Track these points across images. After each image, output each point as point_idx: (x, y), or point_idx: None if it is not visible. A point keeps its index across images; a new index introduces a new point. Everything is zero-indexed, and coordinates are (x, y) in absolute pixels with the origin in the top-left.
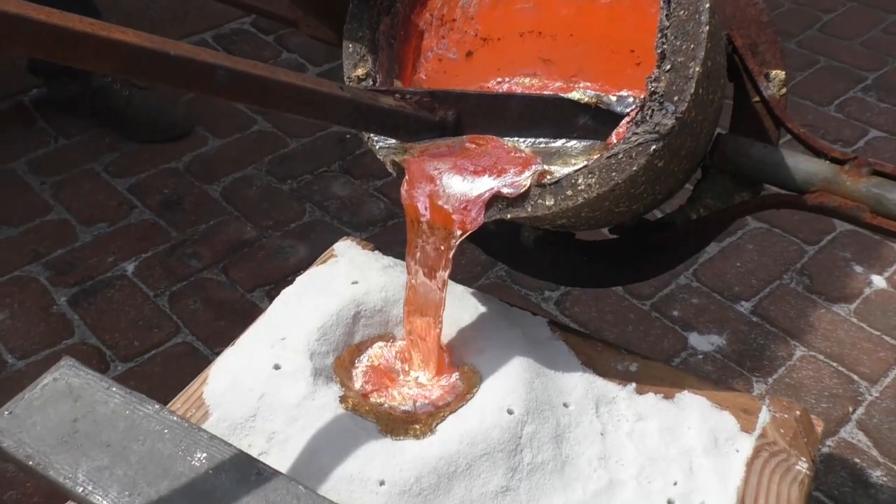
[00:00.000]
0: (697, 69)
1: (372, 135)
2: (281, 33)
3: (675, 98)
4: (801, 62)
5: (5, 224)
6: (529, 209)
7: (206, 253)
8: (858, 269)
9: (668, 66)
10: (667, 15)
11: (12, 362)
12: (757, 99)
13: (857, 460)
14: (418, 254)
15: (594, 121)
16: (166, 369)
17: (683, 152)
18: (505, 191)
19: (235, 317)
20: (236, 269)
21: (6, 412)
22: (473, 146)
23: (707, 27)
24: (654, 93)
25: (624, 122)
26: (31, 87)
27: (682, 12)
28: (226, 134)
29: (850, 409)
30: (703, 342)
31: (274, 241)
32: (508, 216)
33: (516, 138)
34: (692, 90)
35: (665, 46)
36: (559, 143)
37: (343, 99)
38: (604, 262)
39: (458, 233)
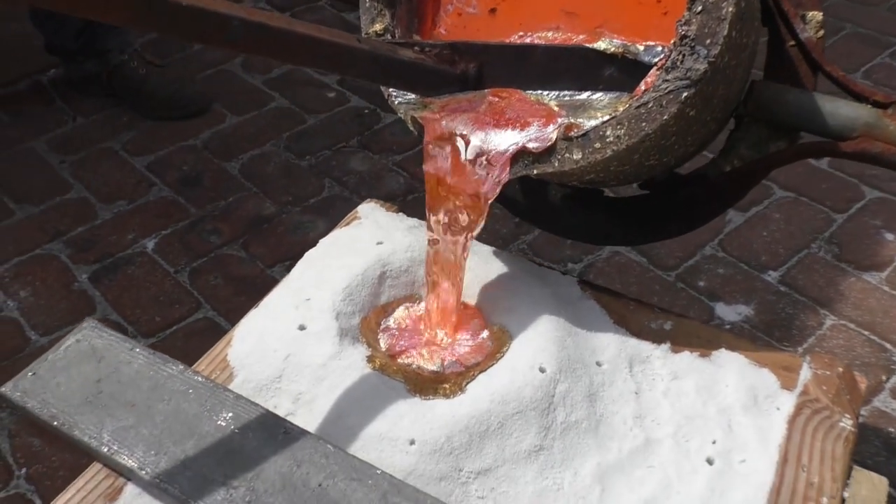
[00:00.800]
0: (731, 9)
1: (391, 90)
2: (296, 10)
3: (707, 41)
4: (826, 29)
5: (26, 202)
6: (556, 164)
7: (226, 229)
8: (889, 236)
9: (700, 8)
10: None
11: (35, 339)
12: (792, 43)
13: (891, 429)
14: (433, 216)
15: (620, 72)
16: (188, 344)
17: (716, 100)
18: (530, 145)
19: (256, 292)
20: (256, 245)
21: (30, 373)
22: (496, 100)
23: None
24: (684, 36)
25: (653, 71)
26: (49, 66)
27: None
28: (243, 111)
29: (884, 378)
30: (730, 312)
31: (293, 216)
32: (535, 172)
33: (540, 91)
34: (725, 32)
35: None
36: (584, 95)
37: (361, 51)
38: (634, 219)
39: (484, 190)
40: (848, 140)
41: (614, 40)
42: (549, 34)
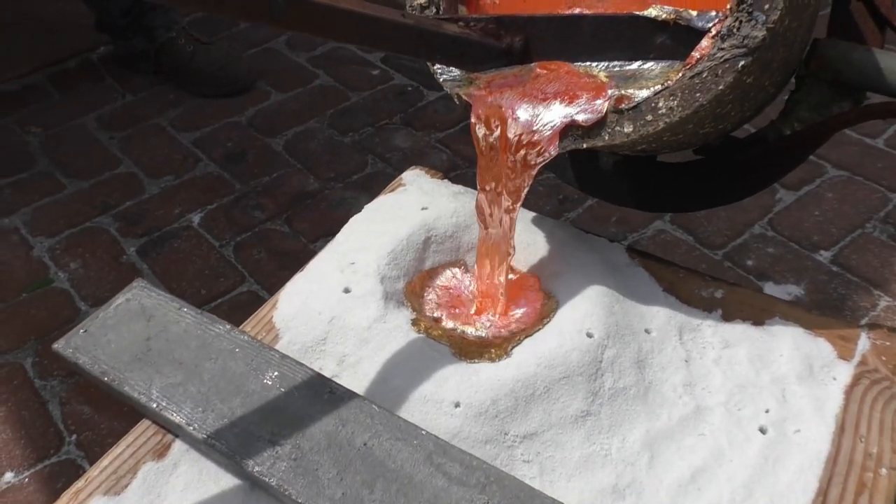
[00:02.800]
0: None
1: (437, 67)
2: None
3: (766, 6)
4: None
5: (76, 177)
6: (607, 137)
7: (270, 204)
8: None
9: None
10: None
11: (85, 309)
12: None
13: None
14: (487, 190)
15: (673, 39)
16: (232, 317)
17: (775, 64)
18: (580, 118)
19: (299, 266)
20: (299, 220)
21: (81, 330)
22: (543, 73)
23: None
24: (741, 1)
25: (707, 38)
26: (99, 44)
27: None
28: (287, 88)
29: None
30: (779, 292)
31: (336, 192)
32: (584, 146)
33: (589, 63)
34: None
35: None
36: (635, 65)
37: (405, 26)
38: (689, 185)
39: (531, 164)
40: None
41: (665, 7)
42: (599, 3)
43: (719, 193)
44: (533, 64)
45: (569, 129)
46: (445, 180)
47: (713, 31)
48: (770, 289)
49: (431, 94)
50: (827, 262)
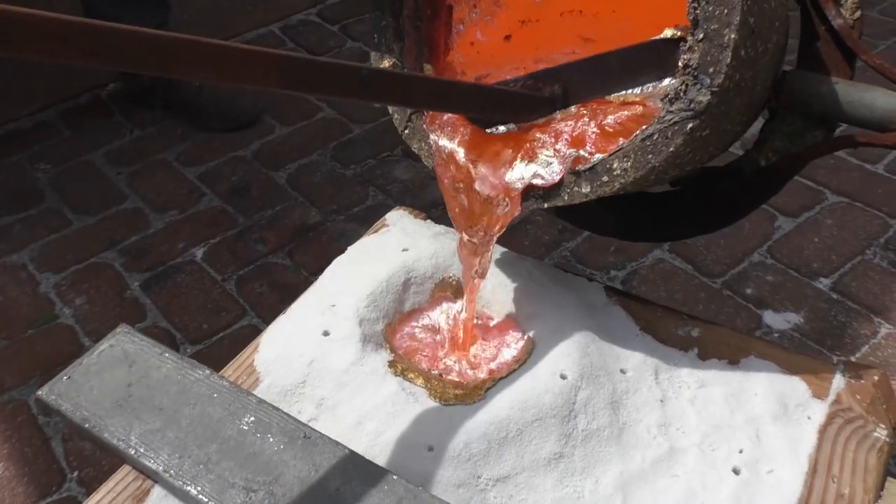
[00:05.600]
0: (733, 36)
1: (410, 143)
2: (346, 23)
3: (710, 70)
4: (883, 31)
5: (84, 213)
6: (566, 197)
7: (272, 238)
8: None
9: (701, 35)
10: None
11: (88, 345)
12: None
13: None
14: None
15: None
16: (234, 351)
17: (734, 112)
18: (537, 182)
19: None
20: (301, 253)
21: (65, 377)
22: (584, 112)
23: None
24: (686, 65)
25: (659, 99)
26: (109, 81)
27: None
28: (291, 122)
29: None
30: (779, 320)
31: (338, 224)
32: (545, 206)
33: (624, 91)
34: (728, 60)
35: (697, 12)
36: (666, 82)
37: (478, 88)
38: (669, 215)
39: (496, 228)
40: (889, 131)
41: (679, 25)
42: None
43: (699, 223)
44: (573, 107)
45: (530, 190)
46: (428, 221)
47: (663, 93)
48: (769, 317)
49: None
50: (827, 290)
